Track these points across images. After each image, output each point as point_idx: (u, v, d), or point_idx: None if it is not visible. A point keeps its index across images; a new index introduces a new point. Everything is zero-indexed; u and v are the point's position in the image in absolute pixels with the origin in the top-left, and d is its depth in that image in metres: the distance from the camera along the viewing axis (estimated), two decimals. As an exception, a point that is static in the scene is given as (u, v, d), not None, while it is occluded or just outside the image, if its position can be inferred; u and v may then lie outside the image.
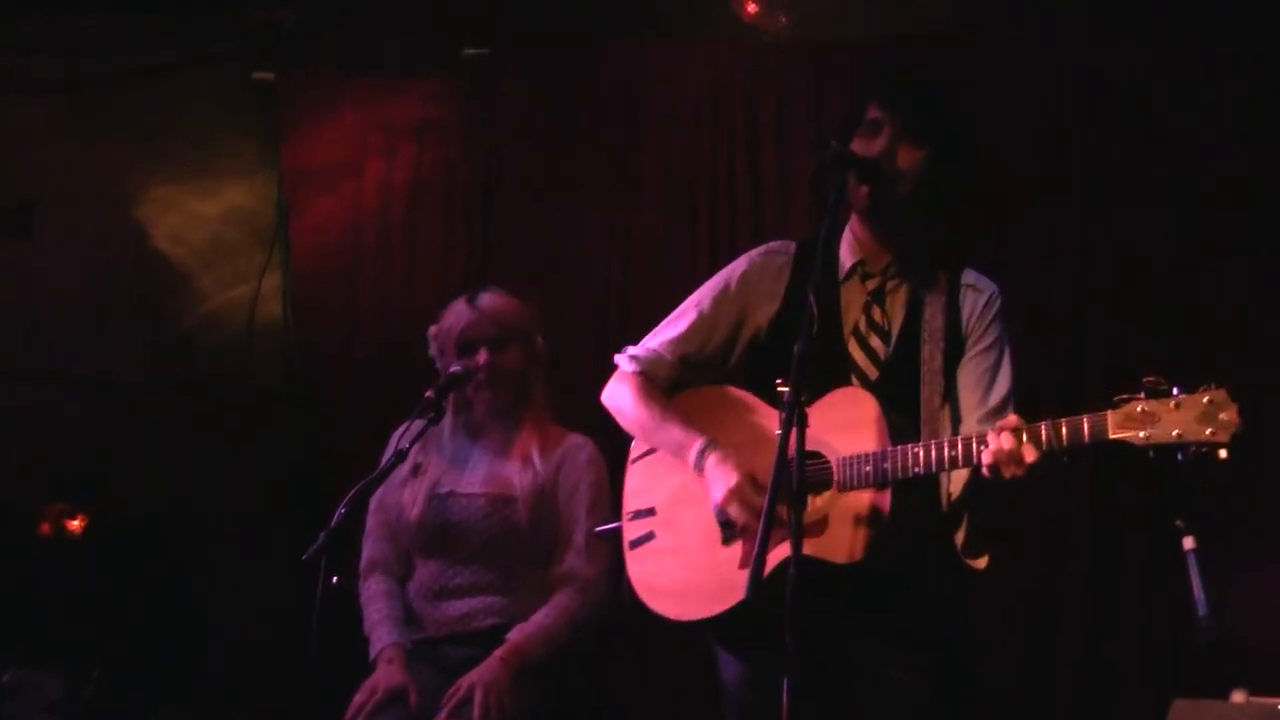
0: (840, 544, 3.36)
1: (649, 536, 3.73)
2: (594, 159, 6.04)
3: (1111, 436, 3.06)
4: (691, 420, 3.69)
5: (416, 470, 4.42)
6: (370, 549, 4.50)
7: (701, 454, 3.56)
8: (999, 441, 3.17)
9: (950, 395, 3.51)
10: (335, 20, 6.16)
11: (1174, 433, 2.97)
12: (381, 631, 4.36)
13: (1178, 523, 4.44)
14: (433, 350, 4.53)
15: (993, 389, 3.50)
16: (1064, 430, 3.13)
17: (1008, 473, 3.16)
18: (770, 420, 3.54)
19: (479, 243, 6.07)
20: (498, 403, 4.45)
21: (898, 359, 3.56)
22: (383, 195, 6.13)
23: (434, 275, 6.00)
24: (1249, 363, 5.26)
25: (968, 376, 3.53)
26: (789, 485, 3.05)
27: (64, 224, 6.12)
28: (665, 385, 3.80)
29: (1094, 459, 5.24)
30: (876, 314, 3.62)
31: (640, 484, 3.81)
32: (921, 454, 3.30)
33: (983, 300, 3.60)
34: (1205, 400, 2.94)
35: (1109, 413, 3.07)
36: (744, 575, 3.24)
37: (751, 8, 5.82)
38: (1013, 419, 3.20)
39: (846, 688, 3.49)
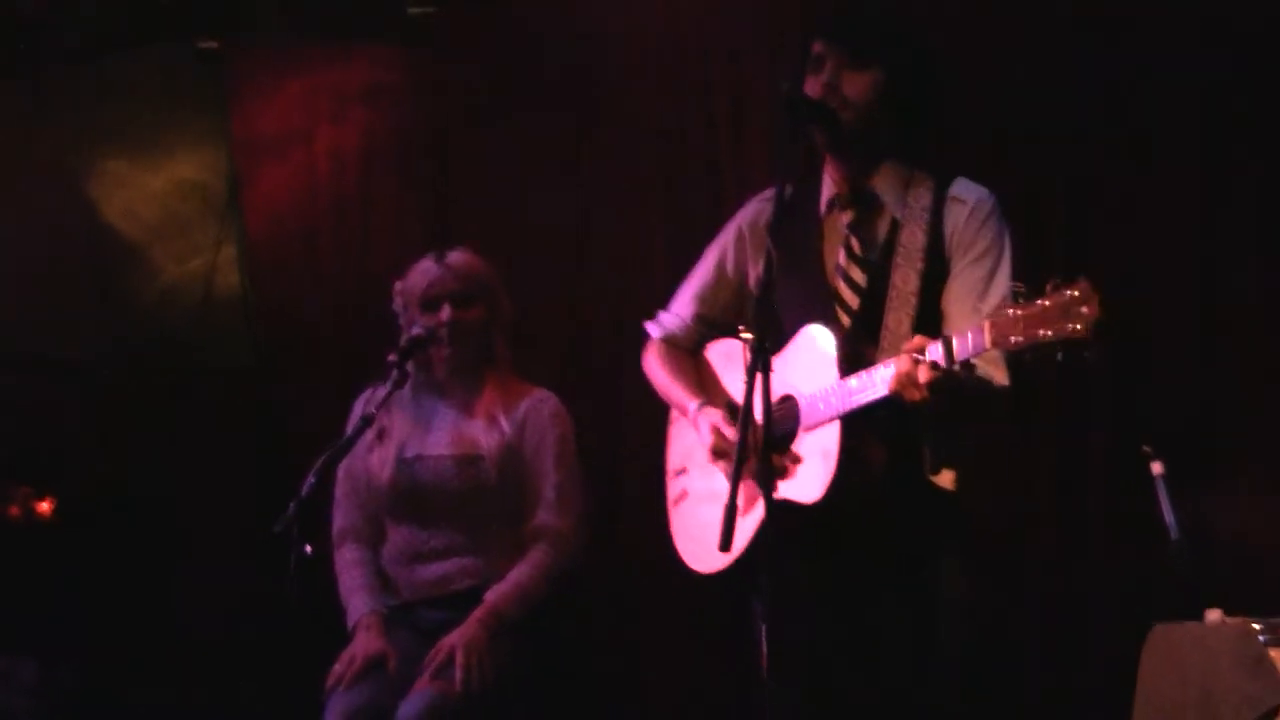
0: (803, 483, 3.37)
1: (684, 494, 3.82)
2: (549, 116, 5.99)
3: (987, 345, 3.04)
4: (703, 377, 3.81)
5: (382, 435, 4.40)
6: (341, 517, 4.49)
7: (695, 416, 3.69)
8: (898, 365, 3.17)
9: (930, 317, 3.44)
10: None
11: (1041, 332, 2.94)
12: (357, 599, 4.35)
13: (1145, 448, 4.49)
14: (397, 305, 4.51)
15: (985, 297, 3.41)
16: (953, 344, 3.11)
17: (910, 396, 3.15)
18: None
19: (435, 206, 6.04)
20: (459, 360, 4.43)
21: (874, 286, 3.53)
22: (335, 162, 6.08)
23: (391, 240, 5.95)
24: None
25: (959, 289, 3.47)
26: (756, 435, 3.09)
27: (13, 204, 6.04)
28: (691, 345, 3.91)
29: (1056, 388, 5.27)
30: (855, 244, 3.59)
31: (676, 443, 3.90)
32: (854, 384, 3.30)
33: (966, 211, 3.52)
34: (1069, 294, 2.91)
35: (985, 322, 3.04)
36: (747, 523, 3.38)
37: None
38: (916, 340, 3.19)
39: (847, 626, 3.51)
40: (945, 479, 3.47)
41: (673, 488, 3.87)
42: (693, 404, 3.72)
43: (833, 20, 3.61)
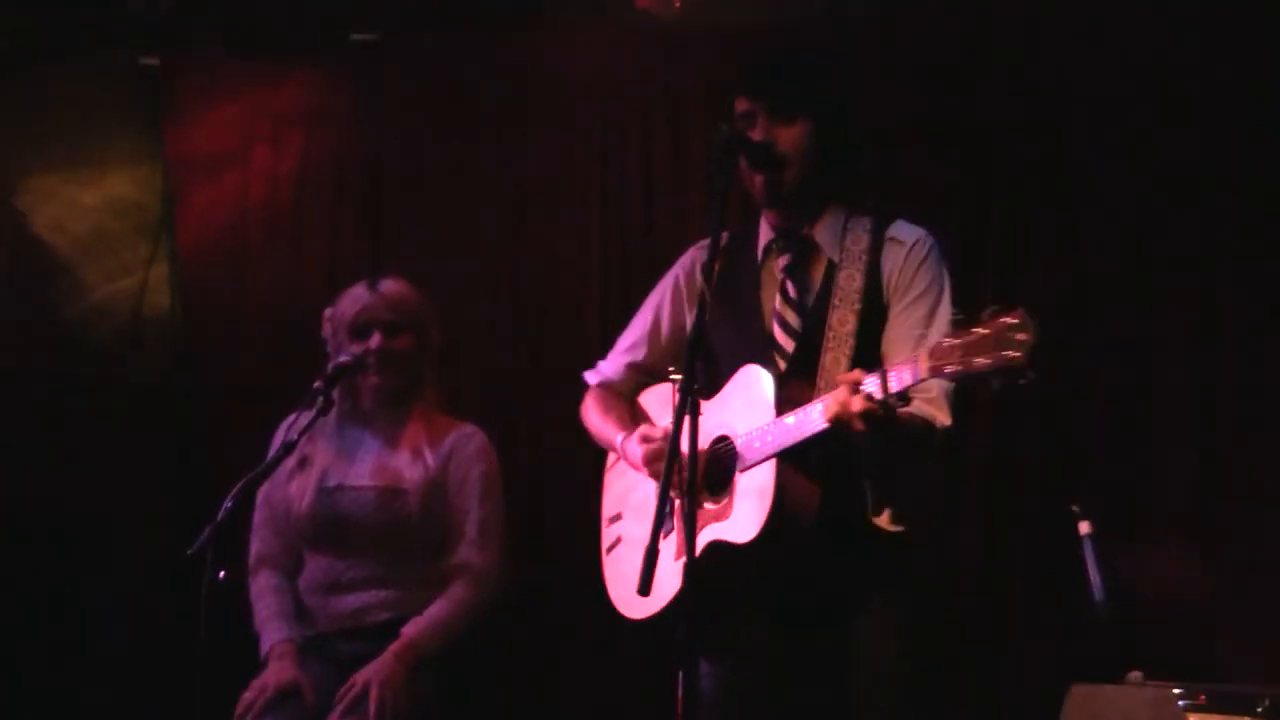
0: (739, 523, 3.35)
1: (618, 540, 3.81)
2: (484, 147, 6.00)
3: (925, 376, 3.02)
4: (639, 419, 3.81)
5: (303, 463, 4.35)
6: (258, 544, 4.43)
7: (622, 446, 3.70)
8: (835, 396, 3.15)
9: (868, 357, 3.41)
10: (219, 4, 6.01)
11: (978, 361, 2.92)
12: (272, 628, 4.29)
13: (1074, 507, 4.48)
14: (326, 331, 4.46)
15: (927, 336, 3.39)
16: (888, 376, 3.08)
17: (847, 429, 3.13)
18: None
19: (367, 232, 6.02)
20: (386, 389, 4.38)
21: (809, 328, 3.53)
22: (269, 184, 6.05)
23: (322, 264, 5.94)
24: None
25: (898, 332, 3.46)
26: (683, 477, 3.08)
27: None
28: (628, 391, 3.93)
29: (988, 438, 5.27)
30: (790, 288, 3.60)
31: (610, 491, 3.91)
32: (792, 420, 3.28)
33: (904, 252, 3.52)
34: (1006, 324, 2.90)
35: (920, 353, 3.03)
36: (675, 568, 3.37)
37: (643, -5, 5.76)
38: (853, 373, 3.17)
39: (765, 673, 3.51)
40: (885, 520, 3.44)
41: (607, 535, 3.86)
42: (619, 435, 3.72)
43: (755, 76, 3.61)
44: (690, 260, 3.84)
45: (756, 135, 3.51)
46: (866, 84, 5.42)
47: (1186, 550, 5.07)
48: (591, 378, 4.00)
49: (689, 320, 3.74)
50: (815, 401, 3.23)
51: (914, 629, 3.51)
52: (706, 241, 3.71)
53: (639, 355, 3.89)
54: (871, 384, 3.10)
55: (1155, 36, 5.38)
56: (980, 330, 2.92)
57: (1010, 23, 5.56)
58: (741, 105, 3.56)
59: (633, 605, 3.66)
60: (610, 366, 3.95)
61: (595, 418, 3.89)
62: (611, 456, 3.91)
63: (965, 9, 5.62)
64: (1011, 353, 2.87)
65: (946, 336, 2.98)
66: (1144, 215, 5.36)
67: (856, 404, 3.10)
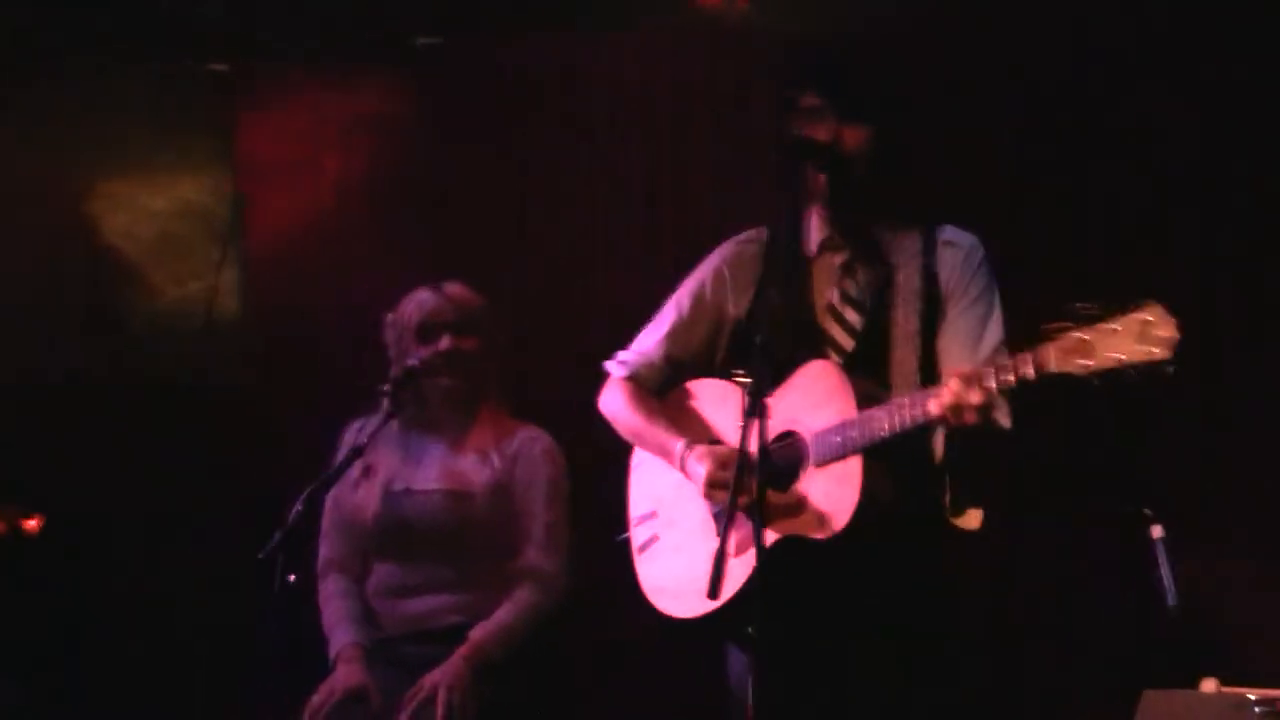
0: (819, 519, 3.32)
1: (653, 539, 3.75)
2: (551, 150, 6.00)
3: (1054, 370, 2.99)
4: (681, 418, 3.73)
5: (368, 471, 4.36)
6: (327, 548, 4.45)
7: (682, 456, 3.60)
8: (947, 388, 3.13)
9: (931, 356, 3.44)
10: (287, 11, 6.05)
11: (1116, 357, 2.89)
12: (340, 631, 4.31)
13: (1146, 511, 4.44)
14: (389, 338, 4.47)
15: (982, 341, 3.43)
16: (1009, 370, 3.07)
17: (959, 420, 3.11)
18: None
19: (437, 234, 6.01)
20: (456, 391, 4.39)
21: (872, 327, 3.52)
22: (339, 188, 6.09)
23: (391, 267, 5.92)
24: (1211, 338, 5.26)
25: (955, 333, 3.47)
26: (756, 474, 3.01)
27: (10, 221, 6.01)
28: (656, 387, 3.83)
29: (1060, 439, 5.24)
30: (849, 286, 3.59)
31: (641, 488, 3.83)
32: (884, 416, 3.26)
33: (961, 255, 3.54)
34: (1143, 319, 2.87)
35: (1049, 345, 2.99)
36: (736, 565, 3.33)
37: (712, -7, 5.76)
38: (967, 368, 3.17)
39: (836, 674, 3.46)
40: (971, 519, 3.40)
41: (639, 533, 3.79)
42: (678, 444, 3.62)
43: (831, 73, 3.60)
44: (732, 252, 3.78)
45: (823, 133, 3.48)
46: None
47: (1261, 553, 5.01)
48: (618, 369, 3.87)
49: (731, 311, 3.72)
50: (912, 396, 3.23)
51: (974, 633, 3.50)
52: (746, 235, 3.78)
53: (674, 348, 3.80)
54: (991, 377, 3.09)
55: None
56: (1113, 325, 2.90)
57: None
58: (810, 100, 3.53)
59: (677, 605, 3.61)
60: (639, 359, 3.84)
61: (633, 416, 3.78)
62: (640, 452, 3.83)
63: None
64: (1155, 349, 2.87)
65: (1077, 329, 2.95)
66: (1208, 216, 5.32)
67: (975, 397, 3.08)
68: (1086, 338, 2.93)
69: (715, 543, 3.20)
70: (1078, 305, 3.02)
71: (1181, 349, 2.85)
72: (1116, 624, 5.17)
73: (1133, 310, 2.89)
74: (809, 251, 3.65)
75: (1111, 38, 5.44)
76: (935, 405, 3.15)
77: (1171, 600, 4.37)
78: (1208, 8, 5.34)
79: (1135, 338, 2.88)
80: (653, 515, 3.77)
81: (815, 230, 3.66)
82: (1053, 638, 5.28)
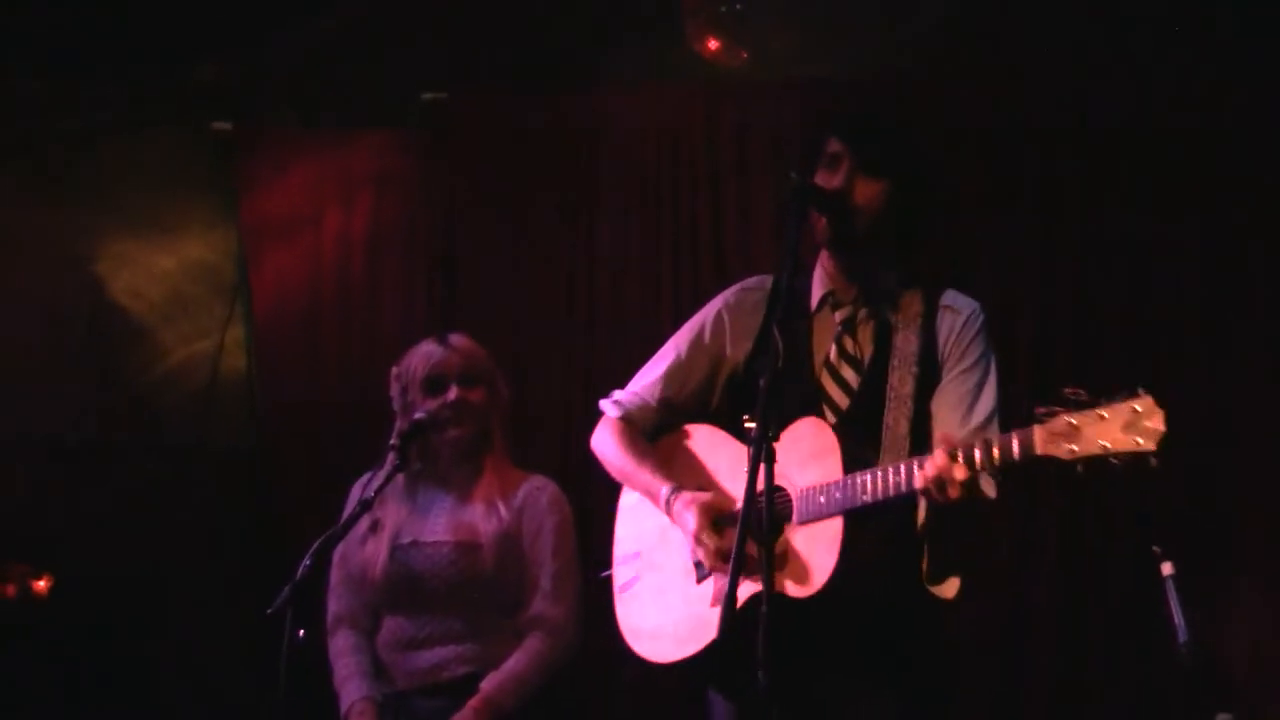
0: (798, 577, 3.32)
1: (634, 579, 3.75)
2: (554, 206, 6.03)
3: (1039, 453, 3.00)
4: (672, 461, 3.73)
5: (375, 526, 4.34)
6: (335, 604, 4.43)
7: (668, 500, 3.59)
8: (933, 461, 3.13)
9: (923, 421, 3.45)
10: (290, 72, 6.08)
11: (1101, 444, 2.90)
12: (351, 686, 4.30)
13: (1155, 549, 4.43)
14: (394, 391, 4.47)
15: (975, 409, 3.43)
16: (994, 449, 3.08)
17: (942, 494, 3.12)
18: (743, 457, 3.49)
19: (440, 292, 6.05)
20: (463, 443, 4.39)
21: (868, 387, 3.52)
22: (342, 245, 6.11)
23: (396, 324, 5.96)
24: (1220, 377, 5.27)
25: (948, 398, 3.47)
26: (757, 522, 3.01)
27: (17, 282, 6.02)
28: (649, 429, 3.83)
29: (1066, 485, 5.23)
30: (848, 344, 3.59)
31: (627, 529, 3.84)
32: (869, 481, 3.26)
33: (960, 321, 3.54)
34: (1131, 408, 2.88)
35: (1035, 428, 3.00)
36: (716, 614, 3.29)
37: (713, 44, 5.78)
38: (952, 438, 3.17)
39: None
40: (948, 589, 3.39)
41: (621, 573, 3.78)
42: (665, 488, 3.62)
43: (855, 124, 3.61)
44: (734, 297, 3.78)
45: (836, 180, 3.50)
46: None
47: (1273, 591, 5.01)
48: (612, 409, 3.87)
49: (730, 356, 3.72)
50: (898, 464, 3.22)
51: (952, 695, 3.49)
52: (750, 281, 3.79)
53: (670, 391, 3.80)
54: (976, 454, 3.10)
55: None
56: (1102, 412, 2.91)
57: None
58: (834, 146, 3.55)
59: (655, 646, 3.60)
60: (633, 400, 3.84)
61: (624, 457, 3.78)
62: (630, 493, 3.83)
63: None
64: (1141, 439, 2.87)
65: (1066, 412, 2.96)
66: (1221, 257, 5.34)
67: (960, 473, 3.09)
68: (1075, 422, 2.94)
69: (694, 588, 3.30)
70: (1067, 390, 3.04)
71: (1167, 442, 2.83)
72: (1128, 661, 5.15)
73: (1123, 399, 2.89)
74: (810, 306, 3.66)
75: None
76: (919, 478, 3.16)
77: (1183, 637, 4.36)
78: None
79: (1123, 427, 2.88)
80: (636, 556, 3.76)
81: (819, 285, 3.67)
82: (1065, 674, 5.26)
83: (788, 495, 3.40)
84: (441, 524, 4.36)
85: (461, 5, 5.82)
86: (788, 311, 3.48)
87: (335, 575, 4.43)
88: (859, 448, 3.38)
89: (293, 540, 4.99)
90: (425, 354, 4.43)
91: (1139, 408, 2.87)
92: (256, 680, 3.94)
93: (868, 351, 3.57)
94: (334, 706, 4.31)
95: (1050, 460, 3.00)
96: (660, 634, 3.58)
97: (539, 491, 4.43)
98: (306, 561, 3.82)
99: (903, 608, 3.40)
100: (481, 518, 4.34)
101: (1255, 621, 4.92)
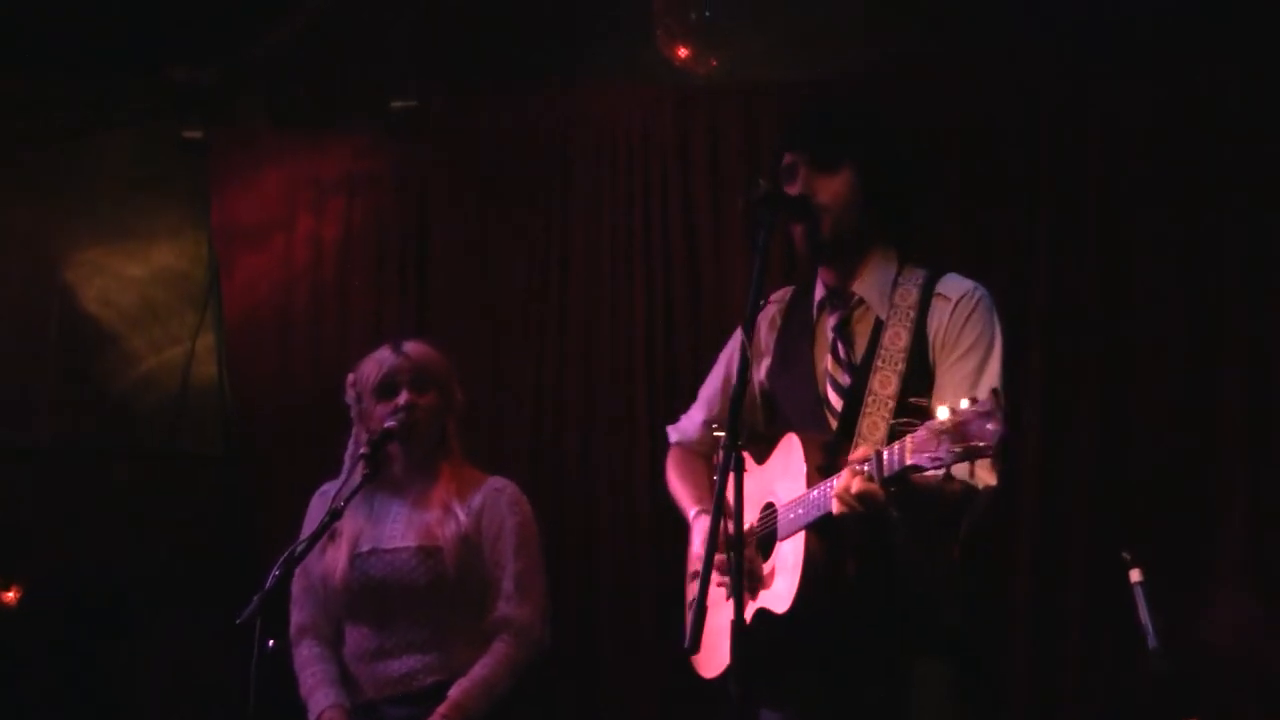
0: (778, 594, 3.32)
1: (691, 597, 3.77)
2: (526, 209, 6.03)
3: (909, 462, 2.99)
4: (708, 483, 3.74)
5: (333, 535, 4.31)
6: (298, 614, 4.40)
7: (691, 523, 3.71)
8: (839, 478, 3.14)
9: (920, 418, 3.29)
10: (261, 75, 6.06)
11: (948, 449, 2.89)
12: (320, 694, 4.27)
13: (1125, 555, 4.44)
14: (349, 397, 4.45)
15: (977, 390, 3.29)
16: (882, 458, 3.06)
17: (839, 509, 3.12)
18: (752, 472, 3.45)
19: (412, 296, 6.03)
20: (415, 449, 4.37)
21: (856, 389, 3.46)
22: (314, 251, 6.09)
23: (367, 330, 5.93)
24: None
25: (946, 387, 3.38)
26: (729, 538, 3.03)
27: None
28: (704, 449, 3.88)
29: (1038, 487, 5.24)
30: (841, 348, 3.55)
31: (691, 548, 3.83)
32: (814, 495, 3.25)
33: (950, 308, 3.45)
34: (975, 411, 2.86)
35: (907, 439, 3.00)
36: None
37: (682, 52, 5.77)
38: (862, 450, 3.16)
39: None
40: (927, 585, 3.38)
41: (689, 590, 3.81)
42: (691, 510, 3.71)
43: (799, 128, 3.60)
44: (768, 312, 3.75)
45: (796, 188, 3.48)
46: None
47: (1242, 595, 5.02)
48: (673, 434, 3.96)
49: (761, 373, 3.71)
50: (832, 479, 3.20)
51: (965, 688, 3.43)
52: (782, 293, 3.77)
53: (711, 413, 3.85)
54: (869, 465, 3.09)
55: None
56: (955, 418, 2.88)
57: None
58: (786, 159, 3.54)
59: (704, 664, 3.60)
60: (688, 422, 3.92)
61: (671, 483, 3.87)
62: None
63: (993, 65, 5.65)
64: (978, 442, 2.85)
65: (925, 425, 2.95)
66: (1199, 262, 5.35)
67: (856, 485, 3.09)
68: (933, 428, 2.91)
69: (724, 606, 3.24)
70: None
71: (1004, 442, 2.84)
72: (1099, 667, 5.16)
73: (968, 404, 2.87)
74: (812, 314, 3.64)
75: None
76: (831, 495, 3.16)
77: (1152, 643, 4.37)
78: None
79: (971, 430, 2.86)
80: (697, 574, 3.76)
81: (817, 293, 3.64)
82: (1036, 681, 5.27)
83: (774, 512, 3.42)
84: (399, 530, 4.33)
85: (433, 8, 5.80)
86: (789, 325, 3.60)
87: (297, 585, 4.38)
88: (839, 457, 3.31)
89: (264, 546, 4.98)
90: (378, 360, 4.42)
91: (980, 410, 2.85)
92: (229, 686, 3.92)
93: (860, 353, 3.52)
94: (303, 717, 4.28)
95: (918, 469, 2.99)
96: (709, 652, 3.52)
97: (498, 493, 4.40)
98: (275, 571, 3.81)
99: (886, 614, 3.36)
100: (439, 521, 4.30)
101: (1226, 626, 4.93)
